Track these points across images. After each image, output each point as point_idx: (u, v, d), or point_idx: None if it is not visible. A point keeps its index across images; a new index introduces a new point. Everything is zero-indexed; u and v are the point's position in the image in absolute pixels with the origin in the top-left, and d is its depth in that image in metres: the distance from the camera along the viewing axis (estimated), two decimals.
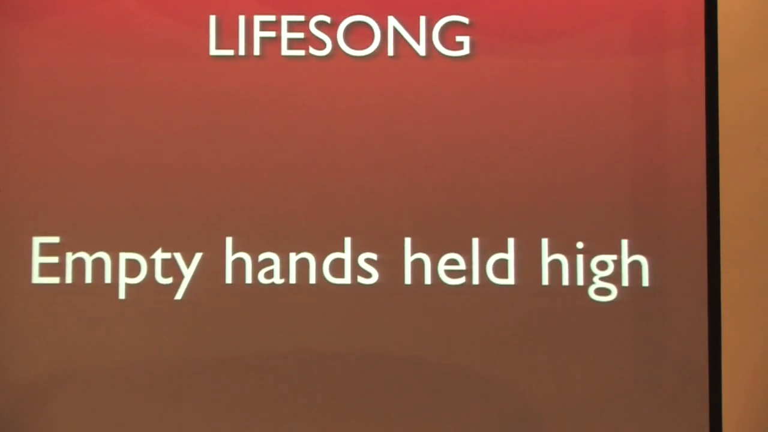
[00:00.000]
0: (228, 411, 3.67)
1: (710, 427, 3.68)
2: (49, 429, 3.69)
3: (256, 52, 3.73)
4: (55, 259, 3.68)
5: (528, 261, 3.67)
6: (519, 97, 3.73)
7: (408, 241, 3.67)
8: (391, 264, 3.66)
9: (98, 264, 3.67)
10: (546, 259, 3.68)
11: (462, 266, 3.67)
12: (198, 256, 3.67)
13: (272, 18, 3.72)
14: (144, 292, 3.67)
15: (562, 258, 3.68)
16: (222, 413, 3.68)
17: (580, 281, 3.68)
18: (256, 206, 3.72)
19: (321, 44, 3.73)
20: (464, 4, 3.72)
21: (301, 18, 3.71)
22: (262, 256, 3.66)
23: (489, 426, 3.66)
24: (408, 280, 3.66)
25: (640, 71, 3.74)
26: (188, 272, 3.68)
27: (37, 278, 3.67)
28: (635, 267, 3.68)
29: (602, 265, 3.68)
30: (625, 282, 3.68)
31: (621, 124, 3.73)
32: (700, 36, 3.77)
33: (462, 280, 3.67)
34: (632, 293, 3.68)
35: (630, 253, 3.68)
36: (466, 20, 3.71)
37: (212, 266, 3.66)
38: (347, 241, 3.68)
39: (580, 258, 3.68)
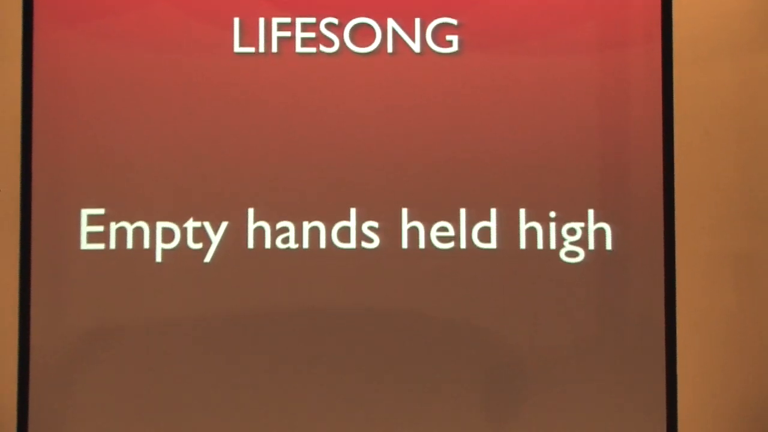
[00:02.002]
0: (249, 360, 3.88)
1: (666, 372, 3.91)
2: (96, 377, 3.89)
3: (274, 49, 3.93)
4: (100, 228, 3.89)
5: (508, 228, 3.89)
6: (500, 88, 3.94)
7: (405, 211, 3.90)
8: (390, 231, 3.89)
9: (138, 232, 3.88)
10: (523, 226, 3.90)
11: (451, 233, 3.89)
12: (224, 224, 3.88)
13: (287, 20, 3.92)
14: (177, 256, 3.88)
15: (537, 225, 3.90)
16: (244, 362, 3.88)
17: (553, 245, 3.90)
18: (274, 181, 3.92)
19: (330, 43, 3.93)
20: (454, 8, 3.93)
21: (313, 20, 3.92)
22: (279, 225, 3.88)
23: (475, 370, 3.89)
24: (405, 245, 3.88)
25: (605, 66, 3.98)
26: (216, 238, 3.88)
27: (84, 245, 3.88)
28: (600, 233, 3.91)
29: (571, 232, 3.91)
30: (591, 246, 3.90)
31: (588, 111, 3.95)
32: (657, 35, 4.00)
33: (451, 244, 3.89)
34: (597, 256, 3.90)
35: (595, 221, 3.91)
36: (455, 22, 3.92)
37: (236, 233, 3.88)
38: (352, 211, 3.89)
39: (552, 225, 3.91)
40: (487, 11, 3.96)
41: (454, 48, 3.95)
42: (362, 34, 3.96)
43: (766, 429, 4.16)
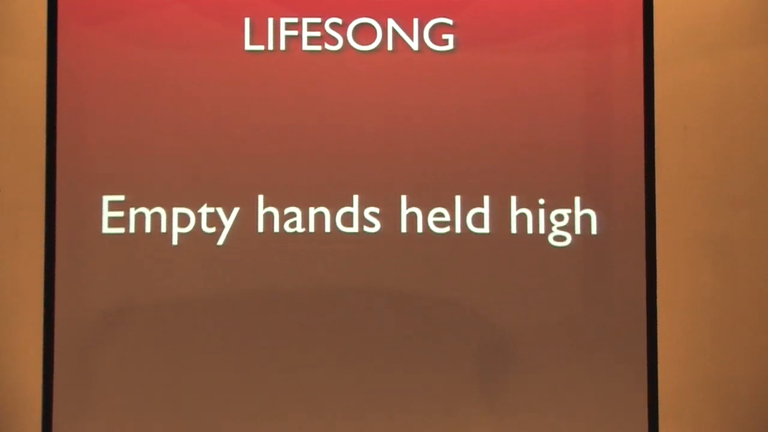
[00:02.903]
0: (259, 336, 3.95)
1: (647, 349, 3.97)
2: (117, 353, 3.96)
3: (282, 47, 4.01)
4: (120, 214, 3.96)
5: (500, 214, 3.97)
6: (493, 84, 4.01)
7: (404, 198, 3.98)
8: (390, 216, 3.97)
9: (155, 217, 3.96)
10: (514, 212, 3.97)
11: (447, 218, 3.97)
12: (236, 210, 3.96)
13: (295, 20, 4.01)
14: (192, 240, 3.96)
15: (527, 211, 3.98)
16: (255, 338, 3.95)
17: (542, 230, 3.98)
18: (282, 170, 3.99)
19: (334, 41, 4.02)
20: (449, 9, 4.02)
21: (318, 20, 4.00)
22: (287, 210, 3.96)
23: (469, 345, 3.96)
24: (404, 230, 3.97)
25: (590, 62, 4.04)
26: (228, 223, 3.96)
27: (106, 229, 3.95)
28: (586, 219, 3.99)
29: (559, 217, 3.99)
30: (578, 231, 3.98)
31: (575, 105, 4.02)
32: (639, 35, 4.07)
33: (447, 229, 3.97)
34: (583, 240, 3.98)
35: (582, 208, 3.99)
36: (450, 22, 4.01)
37: (247, 218, 3.95)
38: (355, 198, 3.97)
39: (541, 212, 3.99)
40: (480, 12, 4.04)
41: (450, 46, 4.03)
42: (364, 33, 4.04)
43: (739, 403, 4.21)
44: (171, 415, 3.94)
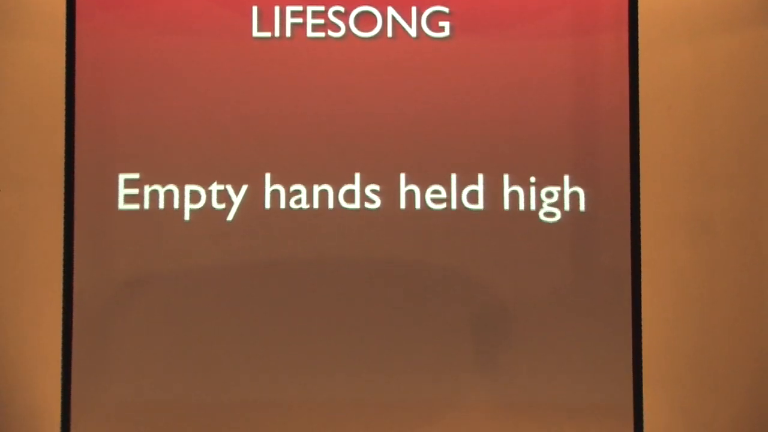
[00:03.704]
0: (266, 305, 4.03)
1: (632, 317, 4.05)
2: (132, 322, 4.03)
3: (288, 34, 4.08)
4: (135, 191, 4.04)
5: (493, 191, 4.04)
6: (487, 68, 4.08)
7: (403, 176, 4.05)
8: (390, 193, 4.05)
9: (168, 194, 4.03)
10: (507, 189, 4.04)
11: (443, 195, 4.04)
12: (244, 187, 4.03)
13: (299, 8, 4.08)
14: (203, 216, 4.03)
15: (519, 189, 4.05)
16: (262, 307, 4.03)
17: (533, 207, 4.05)
18: (288, 149, 4.05)
19: (337, 28, 4.09)
20: None
21: (321, 8, 4.08)
22: (292, 188, 4.03)
23: (464, 315, 4.04)
24: (403, 206, 4.04)
25: (579, 48, 4.11)
26: (237, 200, 4.03)
27: (121, 205, 4.03)
28: (574, 196, 4.06)
29: (549, 195, 4.06)
30: (567, 207, 4.05)
31: (564, 88, 4.08)
32: (624, 22, 4.12)
33: (443, 205, 4.04)
34: (572, 216, 4.05)
35: (570, 186, 4.06)
36: (446, 10, 4.08)
37: (255, 195, 4.03)
38: (357, 176, 4.04)
39: (532, 189, 4.05)
40: (475, 1, 4.11)
41: (446, 33, 4.11)
42: (365, 20, 4.12)
43: (718, 369, 4.30)
44: (184, 377, 4.02)
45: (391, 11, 4.13)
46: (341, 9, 4.11)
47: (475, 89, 4.10)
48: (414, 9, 4.12)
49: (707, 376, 4.32)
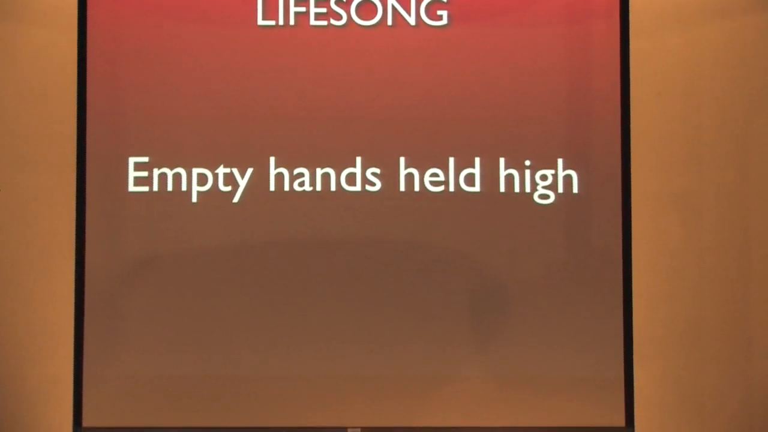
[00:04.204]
0: (270, 282, 4.09)
1: (623, 296, 4.11)
2: (141, 299, 4.10)
3: (291, 22, 4.14)
4: (145, 174, 4.10)
5: (490, 174, 4.11)
6: (483, 55, 4.13)
7: (402, 159, 4.11)
8: (390, 176, 4.11)
9: (177, 177, 4.10)
10: (503, 172, 4.11)
11: (441, 178, 4.11)
12: (250, 170, 4.09)
13: None
14: (210, 197, 4.10)
15: (515, 172, 4.12)
16: (266, 284, 4.08)
17: (528, 189, 4.11)
18: (292, 134, 4.10)
19: (338, 17, 4.15)
20: None
21: None
22: (296, 171, 4.10)
23: (462, 292, 4.11)
24: (402, 188, 4.11)
25: (572, 36, 4.16)
26: (243, 182, 4.10)
27: (132, 188, 4.10)
28: (568, 179, 4.13)
29: (544, 177, 4.12)
30: (561, 190, 4.12)
31: (558, 74, 4.13)
32: (615, 10, 4.17)
33: (441, 188, 4.11)
34: (565, 198, 4.12)
35: (564, 169, 4.12)
36: None
37: (260, 178, 4.09)
38: (358, 159, 4.11)
39: (527, 172, 4.12)
40: None
41: (444, 21, 4.17)
42: (366, 9, 4.18)
43: (705, 341, 4.38)
44: (190, 352, 4.09)
45: (391, 0, 4.19)
46: None
47: (471, 76, 4.15)
48: None
49: (695, 349, 4.41)
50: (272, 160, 4.14)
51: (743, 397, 4.43)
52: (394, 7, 4.20)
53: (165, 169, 4.14)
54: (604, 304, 4.12)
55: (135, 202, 4.13)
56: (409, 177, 4.14)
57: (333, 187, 4.15)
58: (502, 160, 4.14)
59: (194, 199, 4.14)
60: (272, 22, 4.18)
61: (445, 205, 4.13)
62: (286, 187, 4.14)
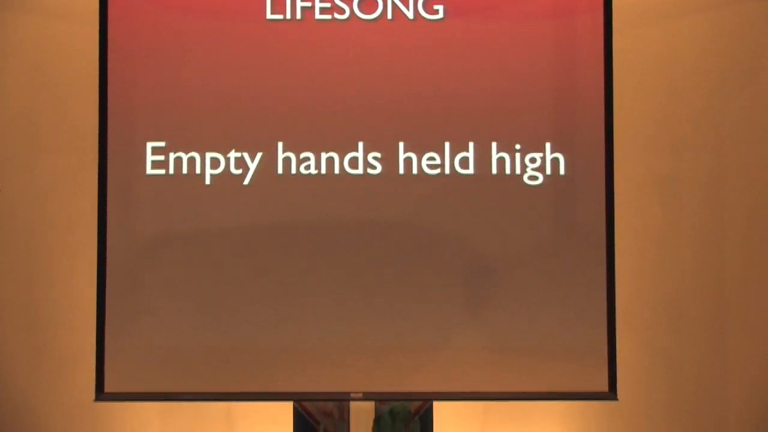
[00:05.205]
0: (278, 260, 4.17)
1: (606, 271, 4.19)
2: (158, 275, 4.18)
3: (298, 16, 4.24)
4: (161, 158, 4.20)
5: (482, 157, 4.21)
6: (476, 47, 4.23)
7: (401, 144, 4.21)
8: (390, 160, 4.21)
9: (191, 160, 4.19)
10: (495, 156, 4.22)
11: (438, 161, 4.21)
12: (259, 154, 4.20)
13: None
14: (222, 180, 4.20)
15: (506, 155, 4.22)
16: (275, 261, 4.16)
17: (518, 171, 4.22)
18: (299, 121, 4.20)
19: (342, 11, 4.26)
20: None
21: None
22: (302, 155, 4.20)
23: (457, 268, 4.20)
24: (401, 171, 4.21)
25: (559, 29, 4.26)
26: (252, 165, 4.19)
27: (149, 171, 4.20)
28: (555, 161, 4.22)
29: (533, 160, 4.22)
30: (549, 172, 4.22)
31: (546, 65, 4.23)
32: (599, 5, 4.27)
33: (438, 171, 4.21)
34: (553, 179, 4.21)
35: (552, 152, 4.23)
36: None
37: (269, 162, 4.19)
38: (360, 144, 4.21)
39: (518, 155, 4.23)
40: None
41: (440, 15, 4.27)
42: (367, 4, 4.29)
43: (684, 312, 4.53)
44: (204, 324, 4.19)
45: None
46: None
47: (466, 66, 4.25)
48: None
49: (674, 321, 4.57)
50: (280, 145, 4.24)
51: (719, 364, 4.57)
52: (393, 2, 4.28)
53: (180, 154, 4.24)
54: (589, 278, 4.20)
55: (152, 184, 4.22)
56: (408, 161, 4.24)
57: (337, 171, 4.24)
58: (494, 145, 4.24)
59: (207, 181, 4.23)
60: (280, 16, 4.28)
61: (441, 186, 4.22)
62: (293, 171, 4.23)
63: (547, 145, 4.25)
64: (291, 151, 4.23)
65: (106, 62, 4.24)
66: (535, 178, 4.25)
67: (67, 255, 4.54)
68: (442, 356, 4.20)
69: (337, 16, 4.28)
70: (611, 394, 4.22)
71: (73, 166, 4.53)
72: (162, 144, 4.23)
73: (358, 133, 4.22)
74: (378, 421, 4.28)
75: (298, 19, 4.28)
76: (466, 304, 4.21)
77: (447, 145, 4.23)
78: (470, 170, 4.24)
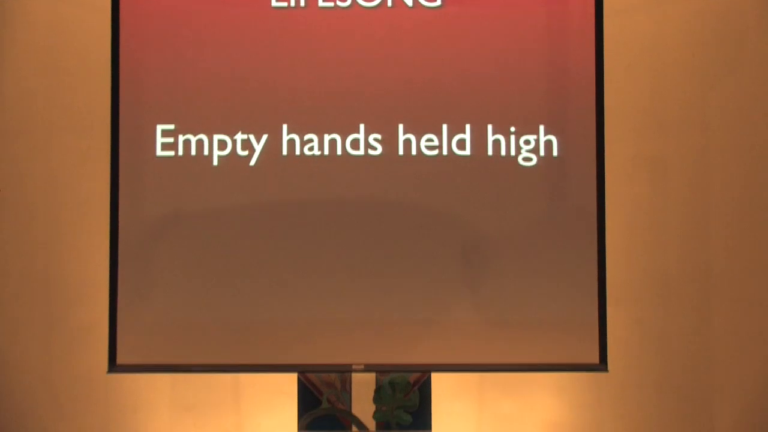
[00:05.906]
0: (283, 238, 4.23)
1: (597, 248, 4.26)
2: (167, 253, 4.25)
3: (302, 4, 4.30)
4: (171, 140, 4.24)
5: (479, 139, 4.26)
6: (473, 33, 4.28)
7: (401, 126, 4.26)
8: (389, 141, 4.26)
9: (199, 142, 4.24)
10: (490, 138, 4.27)
11: (436, 143, 4.26)
12: (265, 136, 4.24)
13: None
14: (229, 161, 4.24)
15: (501, 137, 4.27)
16: (279, 240, 4.23)
17: (513, 152, 4.27)
18: (302, 104, 4.25)
19: None
20: None
21: None
22: (306, 137, 4.25)
23: (454, 245, 4.26)
24: (401, 152, 4.26)
25: (552, 15, 4.32)
26: (258, 147, 4.24)
27: (159, 152, 4.24)
28: (548, 143, 4.28)
29: (527, 142, 4.28)
30: (542, 153, 4.27)
31: (539, 50, 4.28)
32: None
33: (436, 152, 4.26)
34: (546, 161, 4.26)
35: (545, 134, 4.28)
36: None
37: (274, 143, 4.24)
38: (361, 126, 4.25)
39: (512, 137, 4.28)
40: None
41: (438, 3, 4.32)
42: None
43: (672, 287, 4.63)
44: (212, 299, 4.24)
45: None
46: None
47: (462, 50, 4.30)
48: None
49: (663, 295, 4.67)
50: (285, 127, 4.29)
51: (706, 336, 4.66)
52: None
53: (189, 136, 4.28)
54: (581, 255, 4.25)
55: (162, 165, 4.27)
56: (407, 142, 4.29)
57: (339, 152, 4.30)
58: (489, 127, 4.30)
59: (215, 162, 4.28)
60: (284, 4, 4.33)
61: (439, 166, 4.27)
62: (297, 152, 4.28)
63: (541, 128, 4.30)
64: (295, 133, 4.28)
65: (118, 48, 4.28)
66: (529, 159, 4.30)
67: (81, 232, 4.62)
68: (440, 329, 4.27)
69: (339, 3, 4.33)
70: (602, 365, 4.27)
71: (86, 148, 4.61)
72: (171, 127, 4.27)
73: (360, 115, 4.27)
74: (379, 391, 4.34)
75: (302, 7, 4.33)
76: (463, 280, 4.27)
77: (445, 127, 4.28)
78: (467, 151, 4.29)
